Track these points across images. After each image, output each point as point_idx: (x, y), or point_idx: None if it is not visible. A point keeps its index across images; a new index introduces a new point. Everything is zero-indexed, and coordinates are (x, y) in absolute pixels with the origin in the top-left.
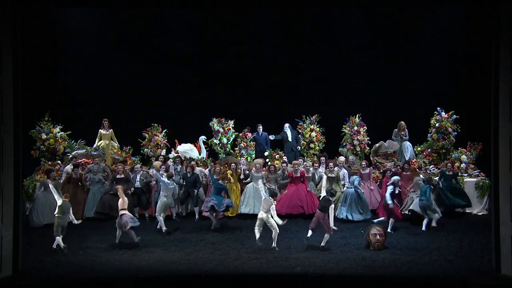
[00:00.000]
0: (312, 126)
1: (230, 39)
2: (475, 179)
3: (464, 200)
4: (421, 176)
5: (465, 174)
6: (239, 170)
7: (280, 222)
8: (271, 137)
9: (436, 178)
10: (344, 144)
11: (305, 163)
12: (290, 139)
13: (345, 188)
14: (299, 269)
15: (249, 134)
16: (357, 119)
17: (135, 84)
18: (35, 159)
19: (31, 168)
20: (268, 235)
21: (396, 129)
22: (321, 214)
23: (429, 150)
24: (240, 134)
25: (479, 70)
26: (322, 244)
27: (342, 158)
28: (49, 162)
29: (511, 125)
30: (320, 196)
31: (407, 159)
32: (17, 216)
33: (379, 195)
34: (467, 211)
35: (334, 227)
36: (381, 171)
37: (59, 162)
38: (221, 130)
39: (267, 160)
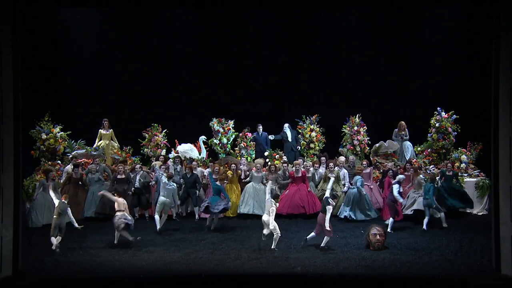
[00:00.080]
0: (312, 126)
1: (230, 39)
2: (475, 179)
3: (463, 202)
4: (421, 176)
5: (465, 174)
6: (239, 171)
7: (271, 226)
8: (271, 137)
9: (437, 178)
10: (344, 144)
11: (305, 163)
12: (290, 139)
13: (345, 188)
14: (299, 269)
15: (249, 134)
16: (357, 119)
17: (135, 84)
18: (35, 159)
19: (31, 168)
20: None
21: (397, 129)
22: (321, 216)
23: (429, 150)
24: (240, 134)
25: (479, 70)
26: (322, 244)
27: (342, 158)
28: (49, 162)
29: (511, 125)
30: (320, 196)
31: (407, 159)
32: (17, 216)
33: (379, 195)
34: (467, 211)
35: (328, 228)
36: (381, 171)
37: (59, 162)
38: (221, 130)
39: (267, 160)
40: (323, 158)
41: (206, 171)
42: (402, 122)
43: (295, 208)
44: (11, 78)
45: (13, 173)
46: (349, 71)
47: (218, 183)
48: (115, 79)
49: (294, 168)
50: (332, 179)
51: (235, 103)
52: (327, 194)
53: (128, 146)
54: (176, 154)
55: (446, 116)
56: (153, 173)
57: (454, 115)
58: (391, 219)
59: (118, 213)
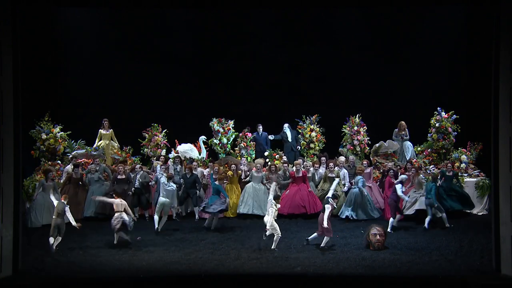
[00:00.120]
0: (312, 126)
1: (230, 39)
2: (475, 179)
3: (462, 204)
4: (421, 175)
5: (465, 174)
6: (239, 171)
7: (270, 226)
8: (271, 137)
9: (438, 178)
10: (344, 144)
11: (305, 163)
12: (289, 139)
13: (345, 188)
14: (299, 269)
15: (249, 134)
16: (357, 119)
17: (135, 84)
18: (35, 159)
19: (31, 168)
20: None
21: (397, 129)
22: (322, 216)
23: (429, 150)
24: (240, 134)
25: (479, 70)
26: (322, 244)
27: (342, 158)
28: (49, 162)
29: (511, 125)
30: (320, 196)
31: (408, 159)
32: (17, 216)
33: (379, 195)
34: (467, 211)
35: (325, 225)
36: (381, 171)
37: (59, 162)
38: (221, 130)
39: (267, 160)
40: (323, 158)
41: (206, 171)
42: (402, 122)
43: (296, 208)
44: (11, 78)
45: (13, 173)
46: (349, 71)
47: (217, 182)
48: (115, 79)
49: (294, 168)
50: (337, 180)
51: (235, 103)
52: (330, 194)
53: (128, 146)
54: (176, 154)
55: (446, 116)
56: (153, 173)
57: (454, 115)
58: (391, 219)
59: (115, 214)
